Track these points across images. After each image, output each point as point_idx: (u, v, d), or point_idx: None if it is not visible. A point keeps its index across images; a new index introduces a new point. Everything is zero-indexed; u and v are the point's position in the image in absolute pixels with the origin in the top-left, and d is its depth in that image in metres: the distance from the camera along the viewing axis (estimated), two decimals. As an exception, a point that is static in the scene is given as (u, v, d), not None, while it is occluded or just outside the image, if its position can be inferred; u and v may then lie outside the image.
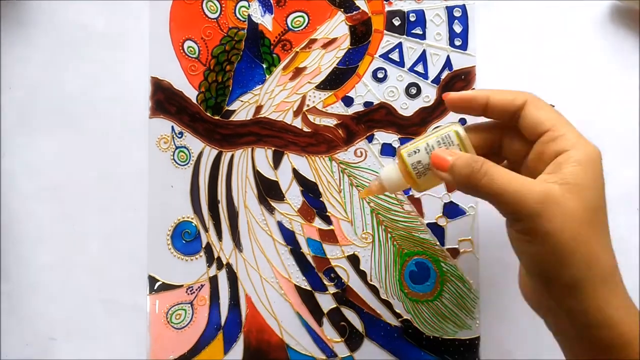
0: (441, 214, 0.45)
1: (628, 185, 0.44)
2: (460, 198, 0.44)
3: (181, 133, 0.46)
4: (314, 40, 0.46)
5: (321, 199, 0.45)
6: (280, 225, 0.45)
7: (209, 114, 0.46)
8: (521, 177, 0.31)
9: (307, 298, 0.45)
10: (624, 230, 0.43)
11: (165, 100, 0.46)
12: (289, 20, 0.46)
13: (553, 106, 0.33)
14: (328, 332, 0.44)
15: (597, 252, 0.30)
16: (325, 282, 0.45)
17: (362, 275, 0.45)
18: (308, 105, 0.46)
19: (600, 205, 0.31)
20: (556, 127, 0.32)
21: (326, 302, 0.45)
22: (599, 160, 0.31)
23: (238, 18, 0.46)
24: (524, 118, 0.34)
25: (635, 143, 0.44)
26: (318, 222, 0.45)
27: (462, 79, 0.45)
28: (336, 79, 0.46)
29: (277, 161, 0.46)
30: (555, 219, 0.30)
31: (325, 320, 0.45)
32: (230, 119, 0.46)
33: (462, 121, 0.45)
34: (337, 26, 0.46)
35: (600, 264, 0.30)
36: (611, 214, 0.43)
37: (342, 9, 0.46)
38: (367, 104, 0.45)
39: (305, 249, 0.45)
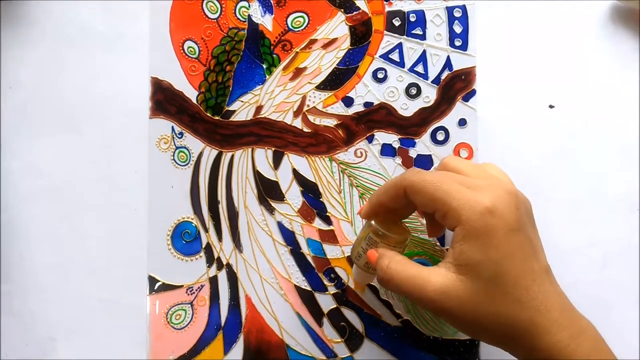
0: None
1: (628, 186, 0.44)
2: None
3: (181, 133, 0.46)
4: (314, 41, 0.46)
5: (321, 199, 0.45)
6: (280, 225, 0.45)
7: (209, 114, 0.46)
8: (420, 272, 0.33)
9: (307, 298, 0.45)
10: (624, 230, 0.43)
11: (165, 100, 0.46)
12: (289, 20, 0.46)
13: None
14: (328, 332, 0.44)
15: (508, 316, 0.31)
16: (325, 282, 0.45)
17: (362, 275, 0.45)
18: (308, 106, 0.46)
19: (500, 270, 0.31)
20: (438, 207, 0.33)
21: (326, 302, 0.45)
22: (486, 218, 0.31)
23: (238, 18, 0.46)
24: (415, 204, 0.35)
25: (635, 143, 0.44)
26: (318, 223, 0.45)
27: (462, 79, 0.45)
28: (336, 80, 0.46)
29: (277, 161, 0.46)
30: (451, 306, 0.32)
31: (325, 320, 0.45)
32: (231, 119, 0.46)
33: (462, 121, 0.45)
34: (337, 26, 0.46)
35: (516, 325, 0.31)
36: (611, 214, 0.43)
37: (342, 10, 0.46)
38: (367, 105, 0.45)
39: (305, 249, 0.45)
